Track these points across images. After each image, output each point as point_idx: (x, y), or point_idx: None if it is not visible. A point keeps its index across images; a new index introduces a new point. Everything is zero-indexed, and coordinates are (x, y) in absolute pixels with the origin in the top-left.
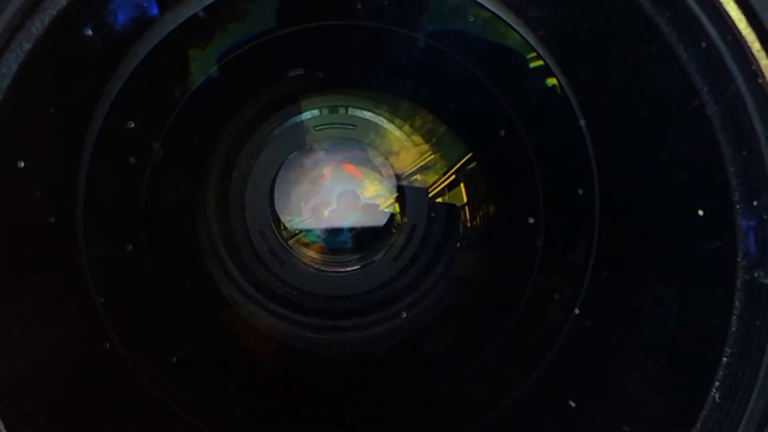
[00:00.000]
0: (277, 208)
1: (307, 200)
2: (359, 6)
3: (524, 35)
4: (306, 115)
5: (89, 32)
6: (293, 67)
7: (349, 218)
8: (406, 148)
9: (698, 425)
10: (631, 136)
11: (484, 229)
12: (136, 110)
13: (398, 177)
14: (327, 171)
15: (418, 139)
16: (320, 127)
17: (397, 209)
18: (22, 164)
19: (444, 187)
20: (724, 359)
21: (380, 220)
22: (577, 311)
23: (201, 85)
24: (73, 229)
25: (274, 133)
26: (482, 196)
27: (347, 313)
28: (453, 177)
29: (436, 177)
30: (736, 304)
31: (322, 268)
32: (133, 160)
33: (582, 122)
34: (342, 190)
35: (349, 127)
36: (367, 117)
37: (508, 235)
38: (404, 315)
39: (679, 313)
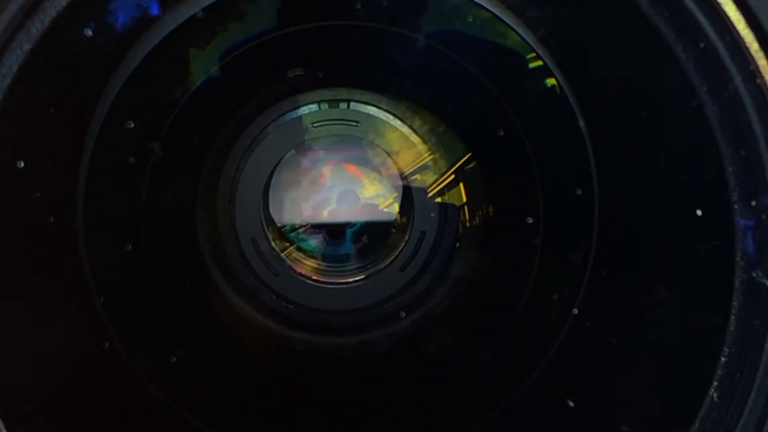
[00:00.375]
0: (271, 211)
1: (306, 201)
2: (359, 6)
3: (523, 36)
4: (304, 110)
5: (89, 32)
6: (293, 67)
7: (350, 220)
8: (409, 146)
9: (696, 425)
10: (629, 136)
11: (483, 229)
12: (136, 110)
13: (401, 177)
14: (326, 171)
15: (418, 139)
16: (318, 124)
17: (397, 208)
18: (22, 164)
19: (443, 187)
20: (723, 359)
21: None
22: (576, 311)
23: (201, 85)
24: (73, 229)
25: (268, 130)
26: (481, 196)
27: (347, 329)
28: (452, 177)
29: (436, 177)
30: (735, 303)
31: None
32: (133, 160)
33: (581, 122)
34: (342, 190)
35: (352, 123)
36: (371, 112)
37: (507, 235)
38: (403, 315)
39: (678, 313)
